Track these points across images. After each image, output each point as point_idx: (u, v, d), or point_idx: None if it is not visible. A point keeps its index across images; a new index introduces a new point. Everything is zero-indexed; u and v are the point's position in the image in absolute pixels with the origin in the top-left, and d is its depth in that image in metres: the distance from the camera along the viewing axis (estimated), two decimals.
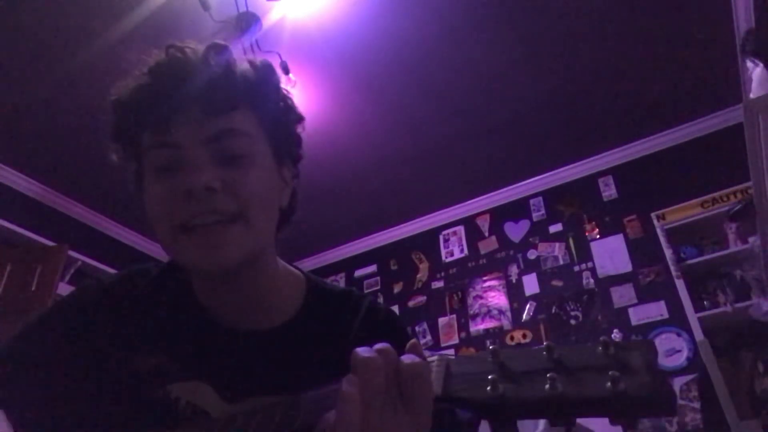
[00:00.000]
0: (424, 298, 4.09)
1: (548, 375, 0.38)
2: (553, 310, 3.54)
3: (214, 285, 0.68)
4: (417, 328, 3.91)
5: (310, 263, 4.52)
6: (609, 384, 0.36)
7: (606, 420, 0.37)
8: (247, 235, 0.61)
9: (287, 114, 0.71)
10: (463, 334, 3.78)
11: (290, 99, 0.72)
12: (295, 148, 0.73)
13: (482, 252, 4.03)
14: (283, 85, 0.71)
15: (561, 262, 3.67)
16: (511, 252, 3.90)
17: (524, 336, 3.55)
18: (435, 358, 0.45)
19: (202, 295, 0.70)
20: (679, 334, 3.05)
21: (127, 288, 0.73)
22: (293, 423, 0.47)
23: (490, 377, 0.40)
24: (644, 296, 3.28)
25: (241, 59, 0.67)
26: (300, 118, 0.73)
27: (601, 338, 0.39)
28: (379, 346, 0.44)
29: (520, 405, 0.39)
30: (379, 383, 0.42)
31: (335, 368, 0.46)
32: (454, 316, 3.88)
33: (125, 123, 0.66)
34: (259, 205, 0.62)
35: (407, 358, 0.43)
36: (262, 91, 0.67)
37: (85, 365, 0.67)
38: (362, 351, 0.44)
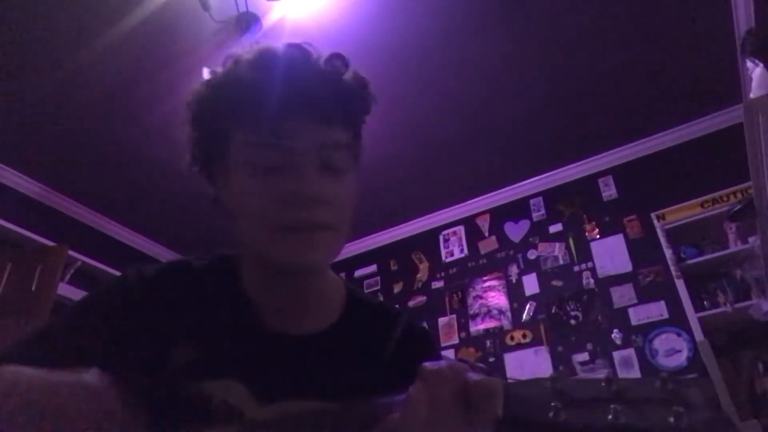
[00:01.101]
0: (424, 298, 4.09)
1: (611, 406, 0.39)
2: (553, 310, 3.54)
3: (272, 282, 0.69)
4: None
5: None
6: (672, 419, 0.37)
7: None
8: (335, 241, 0.64)
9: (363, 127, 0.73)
10: (463, 334, 3.78)
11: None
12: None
13: (482, 252, 4.03)
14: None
15: (561, 262, 3.67)
16: (511, 252, 3.90)
17: (524, 336, 3.55)
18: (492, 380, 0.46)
19: (253, 292, 0.70)
20: (679, 334, 3.05)
21: (169, 280, 0.72)
22: (346, 428, 0.48)
23: (552, 404, 0.40)
24: (644, 296, 3.27)
25: (345, 68, 0.67)
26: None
27: (660, 374, 0.40)
28: (448, 360, 0.47)
29: None
30: (445, 394, 0.44)
31: (369, 379, 0.47)
32: (454, 316, 3.88)
33: (226, 107, 0.65)
34: (348, 217, 0.66)
35: (477, 376, 0.45)
36: (362, 108, 0.69)
37: (120, 356, 0.66)
38: (431, 363, 0.46)
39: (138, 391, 0.64)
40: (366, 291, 4.13)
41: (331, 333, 0.71)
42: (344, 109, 0.64)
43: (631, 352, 3.16)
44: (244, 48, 0.66)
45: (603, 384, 0.41)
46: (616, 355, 3.20)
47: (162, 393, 0.63)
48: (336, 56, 0.66)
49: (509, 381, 0.45)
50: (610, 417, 0.38)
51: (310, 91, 0.62)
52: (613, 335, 3.25)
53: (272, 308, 0.69)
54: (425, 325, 3.91)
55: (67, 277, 3.46)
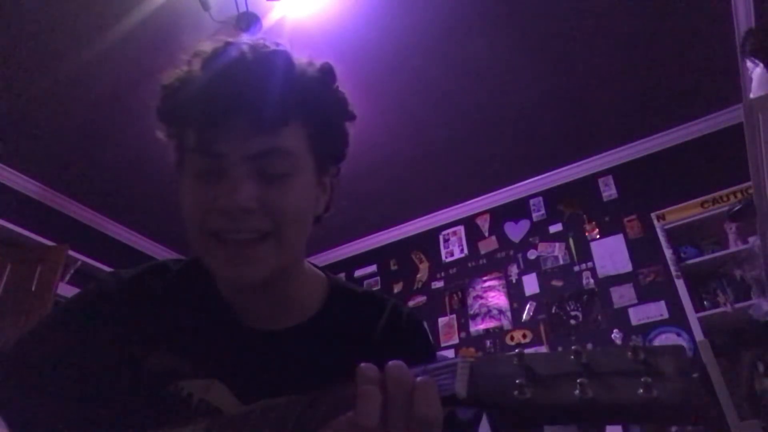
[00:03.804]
0: (424, 298, 4.09)
1: (578, 380, 0.37)
2: (553, 310, 3.54)
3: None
4: None
5: None
6: (641, 390, 0.35)
7: None
8: (277, 252, 0.61)
9: (339, 120, 0.69)
10: (463, 334, 3.78)
11: (344, 102, 0.69)
12: (342, 149, 0.71)
13: (482, 252, 4.03)
14: (338, 87, 0.68)
15: (561, 262, 3.67)
16: (511, 252, 3.90)
17: (524, 336, 3.55)
18: (459, 359, 0.44)
19: (227, 292, 0.70)
20: (679, 334, 3.05)
21: (146, 284, 0.72)
22: (310, 422, 0.47)
23: (517, 381, 0.39)
24: (644, 296, 3.27)
25: (301, 62, 0.64)
26: (351, 117, 0.70)
27: (630, 342, 0.38)
28: (391, 367, 0.44)
29: (549, 411, 0.38)
30: (373, 414, 0.42)
31: (353, 368, 0.46)
32: (454, 316, 3.88)
33: (171, 111, 0.65)
34: (294, 224, 0.62)
35: (421, 378, 0.43)
36: (316, 103, 0.64)
37: (97, 362, 0.66)
38: (365, 375, 0.44)
39: (115, 394, 0.64)
40: None
41: (311, 325, 0.70)
42: (283, 112, 0.60)
43: None
44: (195, 49, 0.64)
45: (572, 357, 0.39)
46: None
47: (142, 394, 0.63)
48: (274, 53, 0.62)
49: (476, 358, 0.44)
50: (576, 392, 0.37)
51: (240, 95, 0.58)
52: (613, 335, 3.25)
53: (246, 307, 0.69)
54: (425, 325, 3.91)
55: (67, 277, 3.46)
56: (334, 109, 0.68)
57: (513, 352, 0.41)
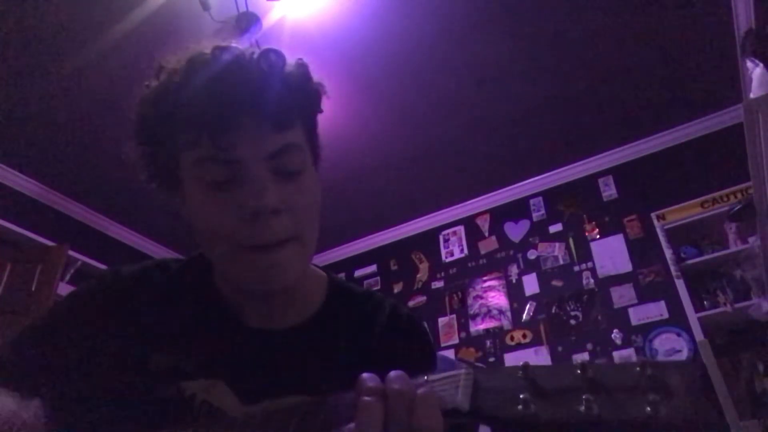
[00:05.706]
0: (424, 298, 4.09)
1: (583, 396, 0.36)
2: (553, 310, 3.54)
3: (244, 289, 0.68)
4: None
5: None
6: (648, 408, 0.34)
7: None
8: (302, 254, 0.62)
9: (317, 113, 0.70)
10: (463, 334, 3.78)
11: (321, 95, 0.70)
12: (319, 143, 0.72)
13: (482, 252, 4.03)
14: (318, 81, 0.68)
15: (561, 262, 3.67)
16: (511, 252, 3.90)
17: (524, 336, 3.55)
18: (462, 371, 0.44)
19: (226, 292, 0.69)
20: (679, 334, 3.05)
21: (146, 282, 0.71)
22: (311, 427, 0.47)
23: (521, 395, 0.38)
24: (644, 296, 3.27)
25: (283, 64, 0.64)
26: (321, 110, 0.71)
27: (639, 358, 0.38)
28: (392, 378, 0.44)
29: (552, 427, 0.37)
30: (373, 427, 0.42)
31: (355, 370, 0.46)
32: (454, 316, 3.88)
33: (165, 123, 0.62)
34: (312, 222, 0.63)
35: (422, 390, 0.43)
36: (312, 101, 0.66)
37: (96, 361, 0.65)
38: (367, 387, 0.43)
39: (116, 395, 0.64)
40: None
41: (311, 324, 0.69)
42: (290, 109, 0.60)
43: (631, 352, 3.16)
44: (172, 58, 0.63)
45: (578, 371, 0.38)
46: (616, 355, 3.20)
47: (143, 394, 0.63)
48: (271, 52, 0.61)
49: (480, 369, 0.43)
50: (582, 408, 0.36)
51: (249, 96, 0.58)
52: (613, 335, 3.25)
53: (246, 306, 0.69)
54: (425, 325, 3.91)
55: (67, 277, 3.46)
56: (318, 104, 0.69)
57: (517, 365, 0.41)
